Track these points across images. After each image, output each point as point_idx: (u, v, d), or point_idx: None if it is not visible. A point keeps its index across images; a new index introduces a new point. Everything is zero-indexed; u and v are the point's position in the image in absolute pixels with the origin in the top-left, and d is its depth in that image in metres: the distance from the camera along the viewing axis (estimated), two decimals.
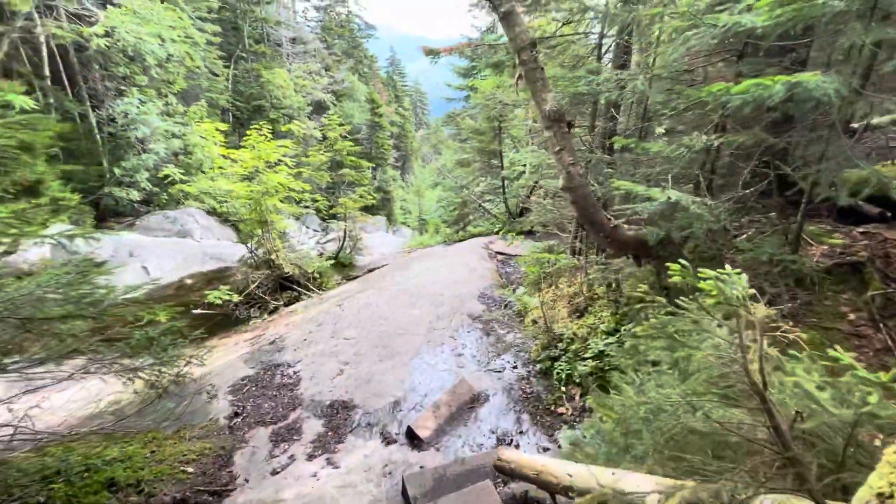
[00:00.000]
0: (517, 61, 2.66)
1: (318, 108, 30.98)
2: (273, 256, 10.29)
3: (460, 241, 12.90)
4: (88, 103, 17.04)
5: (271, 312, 10.98)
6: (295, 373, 5.12)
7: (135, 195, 17.10)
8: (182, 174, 13.46)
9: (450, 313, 6.03)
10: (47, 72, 15.56)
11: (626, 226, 2.72)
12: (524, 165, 14.47)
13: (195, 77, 21.56)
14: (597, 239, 2.77)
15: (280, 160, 10.95)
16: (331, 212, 12.60)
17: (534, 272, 5.56)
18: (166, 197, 19.23)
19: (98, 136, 17.23)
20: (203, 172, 13.37)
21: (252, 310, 10.85)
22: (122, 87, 16.64)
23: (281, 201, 10.97)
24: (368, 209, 34.76)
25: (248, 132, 10.68)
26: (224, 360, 6.49)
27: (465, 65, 21.35)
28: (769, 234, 2.97)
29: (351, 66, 42.17)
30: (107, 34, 13.97)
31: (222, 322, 10.46)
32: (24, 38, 15.02)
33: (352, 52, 45.37)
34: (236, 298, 9.30)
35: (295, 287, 11.62)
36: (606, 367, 3.54)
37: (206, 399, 5.13)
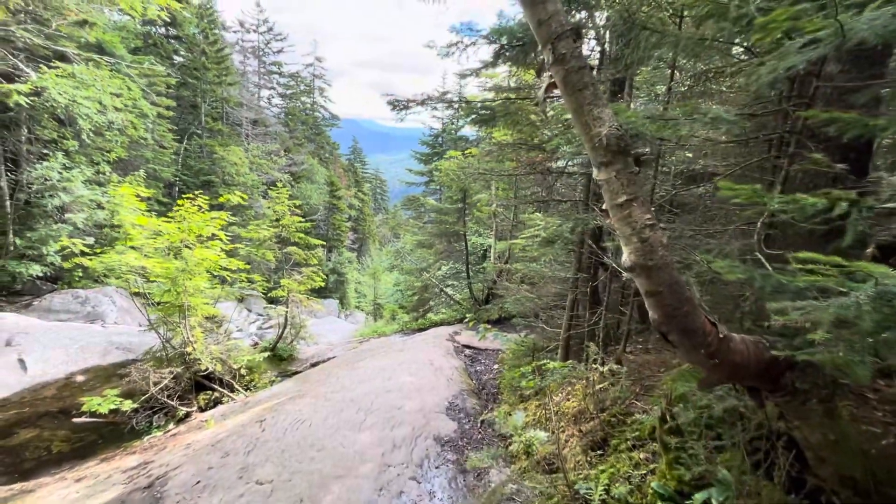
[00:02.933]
0: (548, 59, 1.57)
1: (274, 188, 30.09)
2: (189, 349, 8.29)
3: (420, 329, 11.43)
4: (2, 167, 15.07)
5: (180, 421, 8.68)
6: None
7: (35, 270, 14.54)
8: (96, 248, 11.47)
9: (411, 437, 4.42)
10: None
11: (738, 336, 1.56)
12: (487, 248, 13.72)
13: (138, 147, 20.26)
14: (687, 356, 1.55)
15: (214, 234, 9.44)
16: (271, 294, 10.87)
17: (527, 385, 4.20)
18: (80, 274, 16.67)
19: (7, 203, 15.04)
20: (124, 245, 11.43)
21: (156, 416, 8.53)
22: (46, 152, 14.93)
23: (210, 281, 9.24)
24: (320, 291, 32.72)
25: (178, 201, 9.25)
26: None
27: (426, 151, 21.64)
28: None
29: (312, 150, 42.60)
30: (35, 93, 12.64)
31: (111, 434, 8.06)
32: None
33: (314, 137, 46.28)
34: (127, 405, 7.10)
35: (215, 387, 9.41)
36: None
37: None
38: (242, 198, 9.45)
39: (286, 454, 4.31)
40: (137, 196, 8.07)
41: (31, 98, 12.30)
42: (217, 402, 9.53)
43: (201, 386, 9.64)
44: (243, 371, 9.60)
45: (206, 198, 9.42)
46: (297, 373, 11.03)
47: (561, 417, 4.11)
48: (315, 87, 48.05)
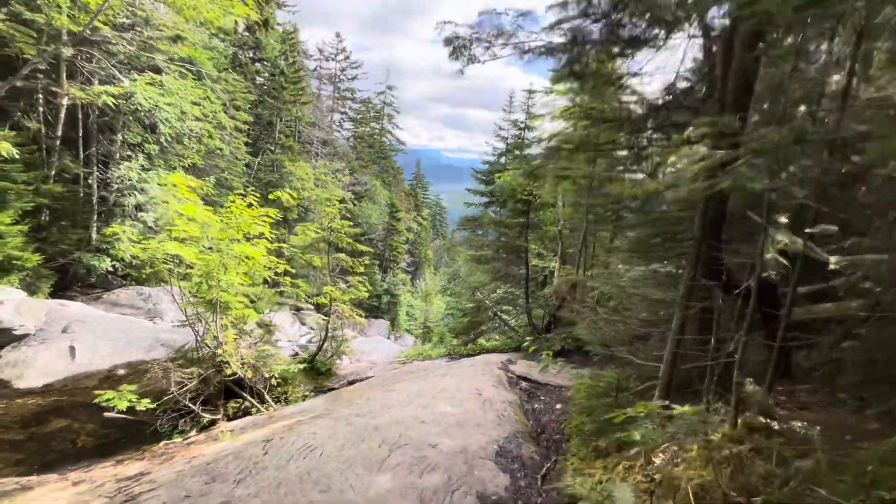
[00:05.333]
0: None
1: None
2: (220, 351, 7.70)
3: (469, 354, 10.17)
4: (95, 167, 16.24)
5: (203, 428, 8.05)
6: None
7: (107, 264, 15.23)
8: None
9: (445, 489, 3.22)
10: (59, 131, 14.97)
11: None
12: (549, 273, 12.30)
13: (213, 157, 21.36)
14: None
15: (262, 234, 9.01)
16: (314, 300, 10.23)
17: (627, 436, 2.84)
18: (148, 271, 17.38)
19: (94, 200, 16.11)
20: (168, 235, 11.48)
21: (183, 420, 7.98)
22: (130, 154, 15.94)
23: (252, 281, 8.74)
24: (371, 311, 32.40)
25: (230, 197, 8.99)
26: None
27: (485, 169, 20.82)
28: None
29: (376, 172, 43.65)
30: (124, 97, 13.51)
31: (136, 434, 7.61)
32: (47, 100, 14.74)
33: (379, 161, 47.59)
34: (144, 404, 6.51)
35: (245, 395, 8.74)
36: None
37: None
38: (292, 196, 8.97)
39: (282, 490, 3.28)
40: (189, 188, 7.83)
41: (119, 101, 13.16)
42: (246, 412, 8.83)
43: (232, 392, 9.02)
44: (276, 381, 8.87)
45: (257, 194, 9.10)
46: (332, 389, 10.15)
47: (669, 492, 2.72)
48: (385, 113, 49.87)
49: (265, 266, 8.66)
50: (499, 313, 11.12)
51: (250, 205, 8.69)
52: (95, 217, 15.54)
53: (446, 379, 6.35)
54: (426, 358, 11.98)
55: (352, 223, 10.05)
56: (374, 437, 4.11)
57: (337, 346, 11.28)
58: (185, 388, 7.47)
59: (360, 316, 11.06)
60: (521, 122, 20.10)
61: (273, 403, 8.82)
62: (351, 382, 10.13)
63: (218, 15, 12.20)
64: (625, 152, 4.82)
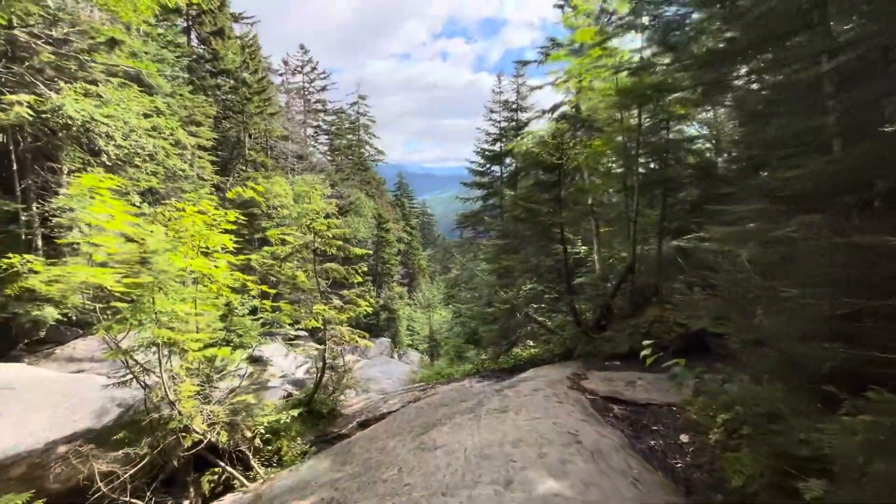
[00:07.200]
0: None
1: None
2: (174, 412, 5.47)
3: (509, 370, 8.05)
4: (34, 203, 13.86)
5: None
6: None
7: (53, 313, 12.78)
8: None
9: None
10: None
11: None
12: (586, 259, 10.26)
13: (176, 179, 19.01)
14: None
15: (224, 246, 6.83)
16: (300, 325, 8.03)
17: None
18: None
19: (37, 241, 13.71)
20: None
21: None
22: (71, 182, 13.59)
23: (212, 309, 6.53)
24: (370, 329, 30.04)
25: (177, 204, 6.83)
26: None
27: (481, 161, 18.81)
28: None
29: (357, 184, 41.47)
30: (51, 111, 11.24)
31: None
32: None
33: (360, 173, 45.48)
34: None
35: (222, 463, 6.45)
36: None
37: None
38: (258, 189, 6.82)
39: None
40: (113, 191, 5.66)
41: (44, 116, 10.92)
42: (227, 487, 6.57)
43: (207, 461, 6.75)
44: (260, 439, 6.63)
45: (234, 213, 6.93)
46: (339, 437, 7.89)
47: None
48: (360, 124, 47.85)
49: (229, 286, 6.50)
50: (533, 315, 9.02)
51: (202, 211, 6.52)
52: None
53: (509, 417, 4.21)
54: (449, 379, 9.81)
55: (339, 223, 7.91)
56: None
57: (338, 379, 9.05)
58: (127, 474, 5.22)
59: (363, 337, 8.86)
60: (513, 104, 18.19)
61: (262, 469, 6.55)
62: (362, 424, 7.92)
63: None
64: None
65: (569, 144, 7.82)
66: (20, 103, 10.03)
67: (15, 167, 13.50)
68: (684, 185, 9.18)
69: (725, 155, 9.15)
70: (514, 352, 9.12)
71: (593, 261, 10.10)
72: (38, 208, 13.82)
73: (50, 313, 12.66)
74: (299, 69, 39.08)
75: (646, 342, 3.56)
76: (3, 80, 10.77)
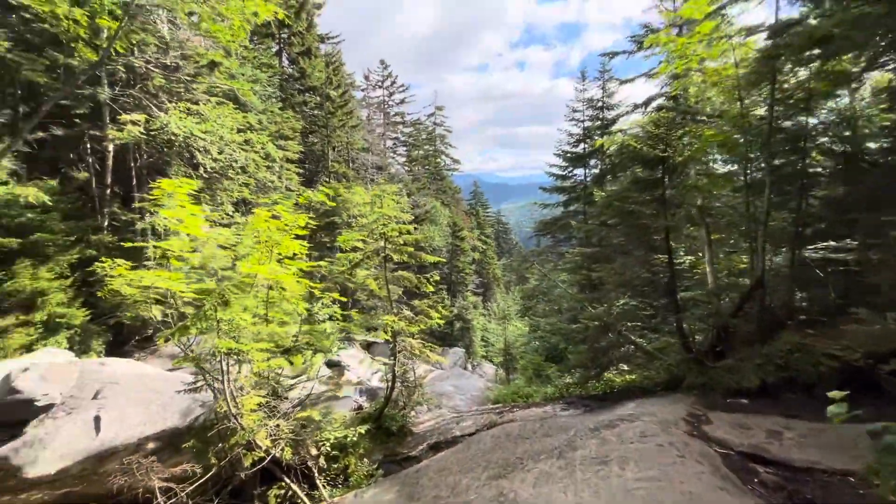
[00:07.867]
0: None
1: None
2: (232, 420, 5.27)
3: (599, 398, 6.91)
4: (146, 213, 15.41)
5: None
6: None
7: (157, 312, 13.98)
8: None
9: None
10: (108, 179, 14.27)
11: None
12: (695, 272, 8.74)
13: (266, 191, 20.27)
14: None
15: (294, 254, 6.66)
16: (372, 335, 7.62)
17: None
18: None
19: (147, 248, 15.22)
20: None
21: None
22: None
23: (280, 316, 6.35)
24: (444, 339, 29.61)
25: (254, 210, 6.82)
26: None
27: (562, 164, 17.57)
28: None
29: (433, 192, 41.81)
30: (158, 129, 12.39)
31: None
32: (94, 148, 14.14)
33: (436, 182, 45.92)
34: None
35: (286, 479, 6.17)
36: None
37: None
38: (328, 192, 6.55)
39: None
40: (190, 195, 5.72)
41: (153, 133, 12.05)
42: None
43: (273, 475, 6.53)
44: (327, 456, 6.27)
45: (304, 218, 6.82)
46: (408, 458, 7.31)
47: None
48: (437, 134, 48.52)
49: (301, 295, 6.28)
50: (628, 334, 7.76)
51: (275, 216, 6.38)
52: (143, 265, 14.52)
53: (615, 474, 3.25)
54: (528, 401, 8.85)
55: (410, 229, 7.42)
56: None
57: (409, 394, 8.53)
58: (191, 487, 5.07)
59: (434, 350, 8.25)
60: (598, 101, 16.76)
61: (326, 490, 6.15)
62: (433, 447, 7.29)
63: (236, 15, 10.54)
64: None
65: (675, 135, 6.58)
66: (135, 122, 11.09)
67: (134, 182, 15.11)
68: (824, 181, 7.43)
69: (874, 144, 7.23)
70: (606, 376, 7.91)
71: (701, 273, 8.57)
72: (148, 220, 15.33)
73: (156, 313, 13.84)
74: (380, 84, 40.58)
75: (836, 393, 2.41)
76: (121, 103, 12.08)
